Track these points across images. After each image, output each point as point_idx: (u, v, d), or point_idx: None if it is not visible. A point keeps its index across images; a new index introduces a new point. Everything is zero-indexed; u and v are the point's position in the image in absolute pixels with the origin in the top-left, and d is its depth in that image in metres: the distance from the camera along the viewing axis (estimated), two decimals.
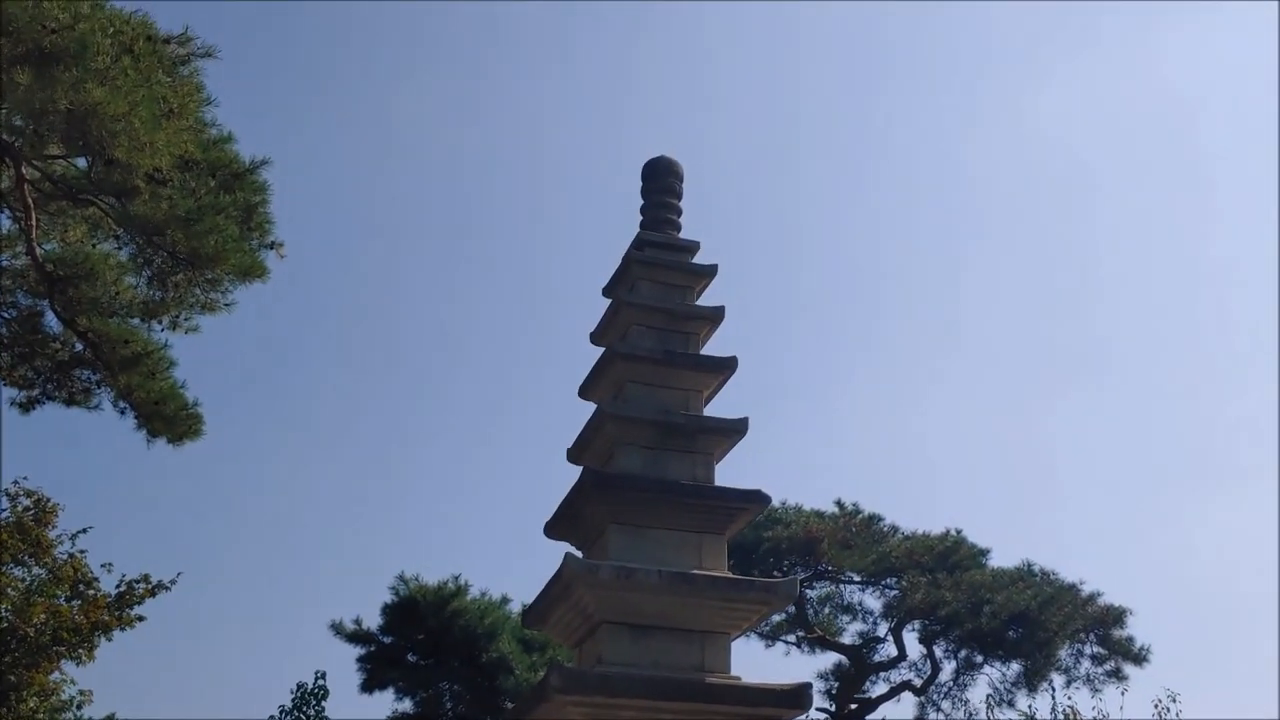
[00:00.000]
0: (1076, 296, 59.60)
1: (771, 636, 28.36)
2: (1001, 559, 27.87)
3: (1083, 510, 55.45)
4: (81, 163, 12.74)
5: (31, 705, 21.99)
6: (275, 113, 56.63)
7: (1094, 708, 30.56)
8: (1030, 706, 25.79)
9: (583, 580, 10.19)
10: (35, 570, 21.96)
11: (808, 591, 27.81)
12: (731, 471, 11.67)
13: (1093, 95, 58.29)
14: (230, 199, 12.27)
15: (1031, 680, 26.39)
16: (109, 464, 56.88)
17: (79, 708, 23.16)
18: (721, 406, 11.89)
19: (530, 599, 11.28)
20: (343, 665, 33.62)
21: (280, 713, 26.23)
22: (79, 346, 15.38)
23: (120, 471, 58.38)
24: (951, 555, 27.17)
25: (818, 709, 27.58)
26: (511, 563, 55.77)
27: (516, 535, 59.73)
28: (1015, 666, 26.70)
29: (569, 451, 11.87)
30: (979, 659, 27.04)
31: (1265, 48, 55.50)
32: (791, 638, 28.32)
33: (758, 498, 10.97)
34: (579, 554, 11.03)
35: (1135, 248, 59.12)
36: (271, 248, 13.23)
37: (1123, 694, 28.35)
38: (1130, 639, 27.17)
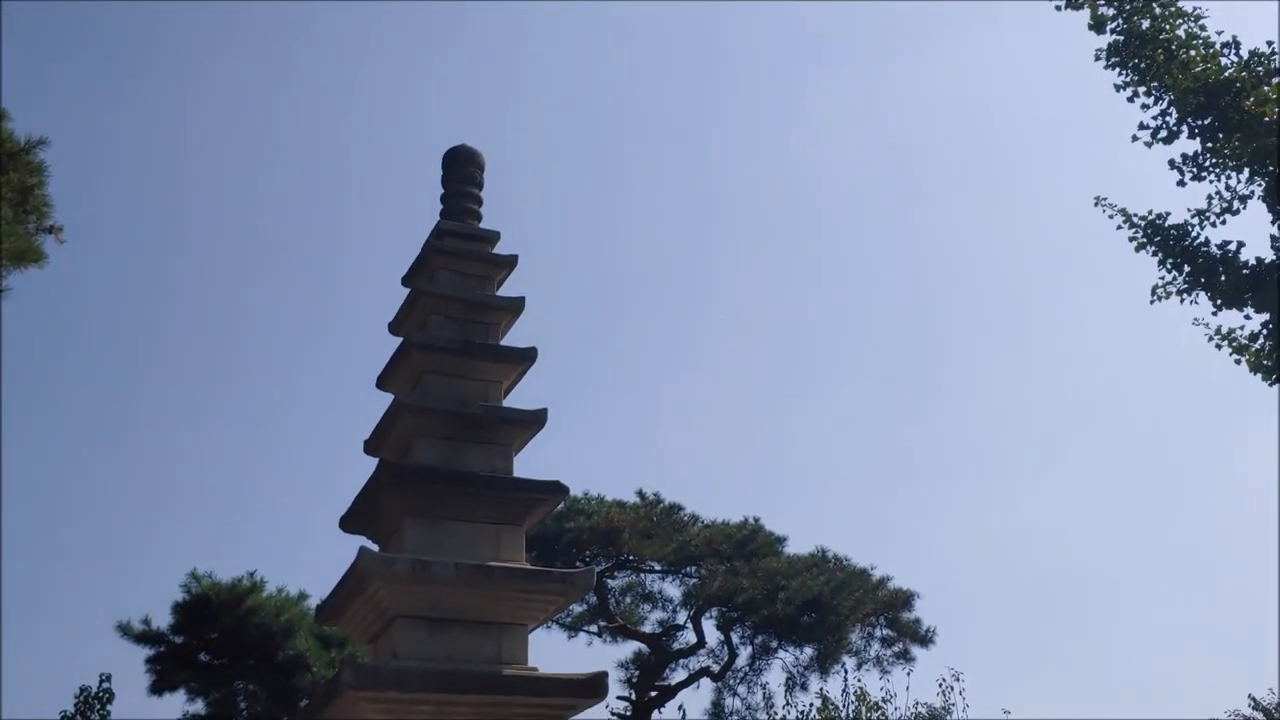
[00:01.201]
0: (885, 290, 61.58)
1: (574, 627, 28.50)
2: (798, 546, 28.59)
3: (876, 497, 57.33)
4: None
5: None
6: (61, 97, 54.18)
7: (882, 688, 31.68)
8: (822, 689, 26.57)
9: (378, 574, 10.06)
10: None
11: (609, 581, 28.02)
12: (532, 463, 11.69)
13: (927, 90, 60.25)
14: (4, 179, 11.66)
15: (824, 663, 27.16)
16: None
17: None
18: (522, 398, 11.89)
19: (328, 594, 11.08)
20: (130, 667, 32.37)
21: (62, 718, 25.15)
22: None
23: None
24: (750, 543, 27.75)
25: (618, 697, 27.85)
26: (309, 558, 54.61)
27: (314, 530, 58.52)
28: (809, 650, 27.43)
29: (366, 443, 11.69)
30: (774, 644, 27.69)
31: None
32: (593, 628, 28.50)
33: (556, 488, 11.00)
34: (375, 548, 10.88)
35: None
36: (50, 231, 12.62)
37: (909, 674, 29.46)
38: (917, 621, 28.22)
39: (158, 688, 25.22)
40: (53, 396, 56.89)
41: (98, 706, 25.25)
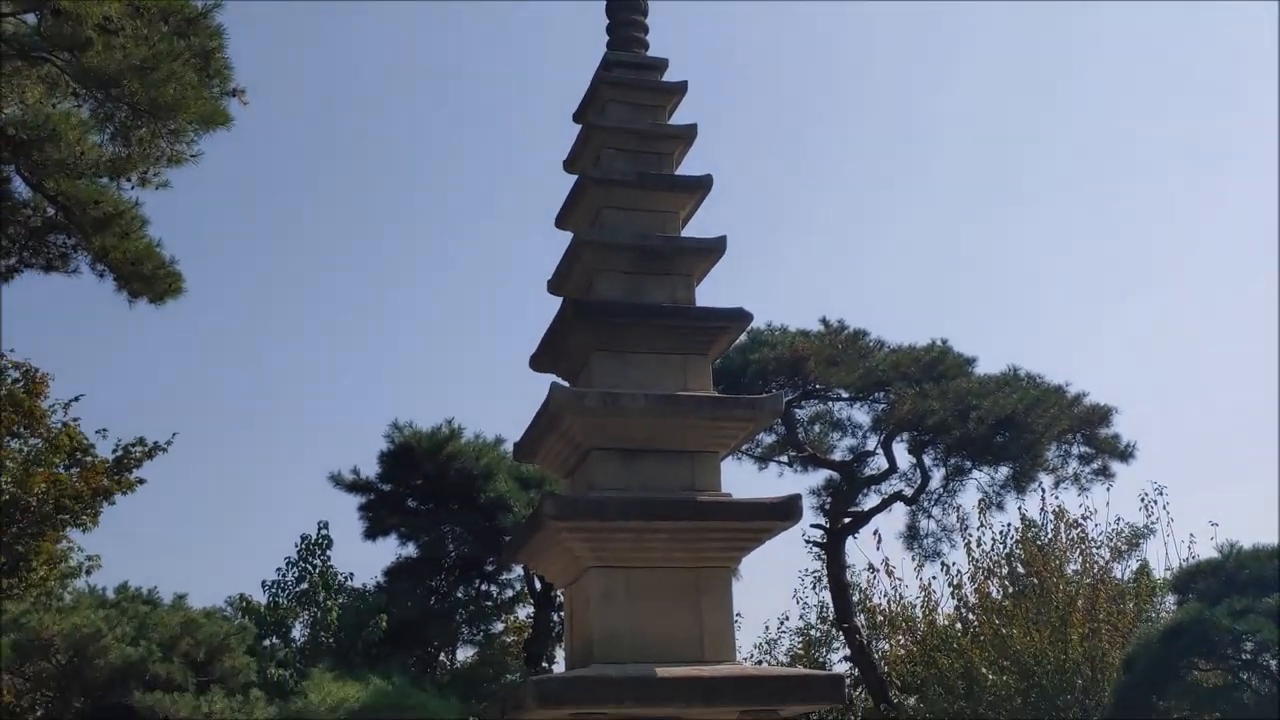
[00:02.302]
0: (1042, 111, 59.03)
1: (764, 459, 28.75)
2: (988, 366, 28.13)
3: (1068, 314, 55.86)
4: (31, 19, 12.39)
5: (41, 574, 22.37)
6: None
7: (1081, 505, 31.21)
8: (1020, 508, 26.31)
9: (570, 409, 10.25)
10: (31, 441, 22.11)
11: (797, 411, 28.09)
12: (714, 296, 11.67)
13: None
14: (185, 45, 11.93)
15: (1020, 482, 26.85)
16: (94, 331, 56.85)
17: (88, 573, 23.61)
18: (700, 228, 11.83)
19: (523, 432, 11.35)
20: (345, 515, 34.14)
21: (287, 564, 26.72)
22: (50, 211, 15.19)
23: (106, 337, 58.36)
24: (938, 365, 27.36)
25: (812, 525, 28.15)
26: (503, 403, 56.34)
27: (505, 375, 60.17)
28: (1004, 470, 27.12)
29: (549, 283, 11.83)
30: (968, 465, 27.44)
31: None
32: (784, 458, 28.70)
33: (739, 315, 10.97)
34: (565, 384, 11.07)
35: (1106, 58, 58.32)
36: (234, 95, 12.93)
37: (1108, 490, 28.90)
38: (1116, 437, 27.59)
39: (371, 533, 26.64)
40: (252, 259, 59.26)
41: (318, 552, 26.75)
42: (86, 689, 19.62)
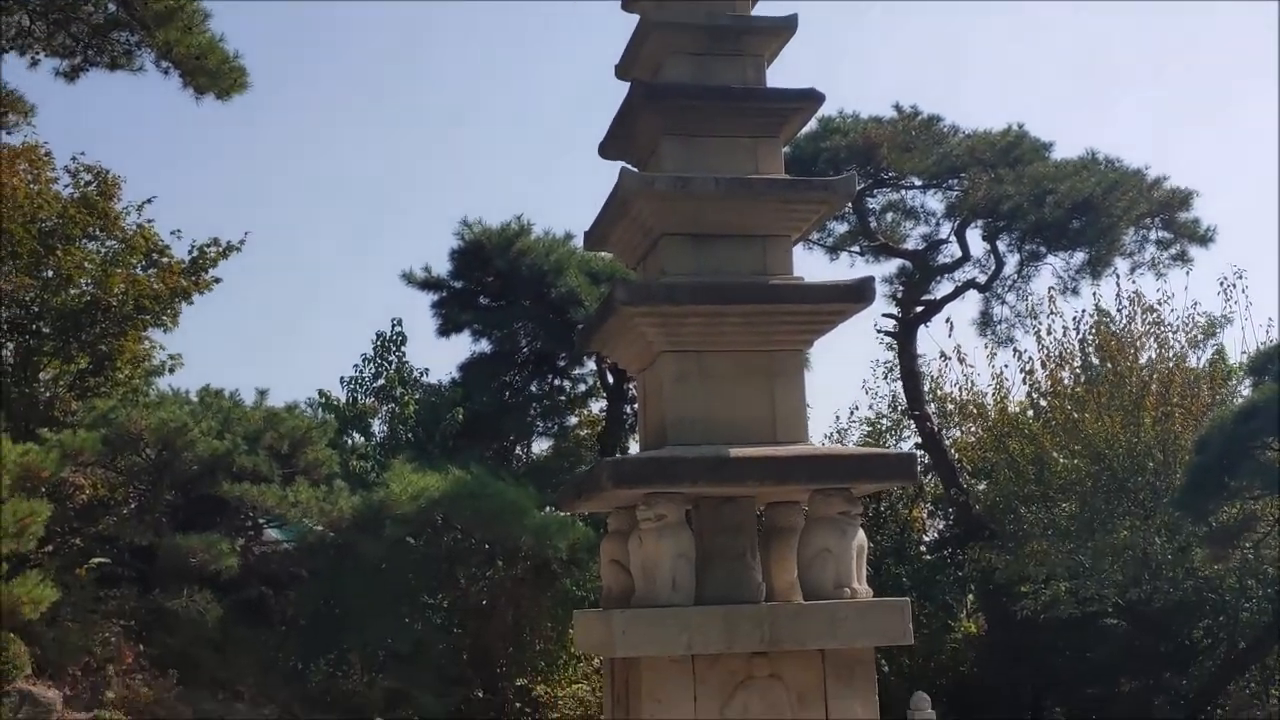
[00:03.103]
0: None
1: (836, 249, 28.58)
2: (1065, 151, 27.46)
3: (1146, 100, 54.09)
4: None
5: (126, 373, 23.02)
6: None
7: (1158, 290, 30.83)
8: (1095, 294, 26.04)
9: (640, 194, 10.13)
10: (108, 243, 22.49)
11: (869, 200, 27.74)
12: (784, 78, 11.37)
13: None
14: None
15: (1095, 268, 26.50)
16: (163, 131, 57.09)
17: (171, 372, 24.28)
18: (768, 7, 11.45)
19: (593, 221, 11.27)
20: (418, 313, 34.64)
21: (363, 361, 27.27)
22: (112, 7, 15.08)
23: (175, 137, 58.61)
24: (1014, 150, 26.76)
25: (884, 314, 28.09)
26: (572, 199, 56.22)
27: (573, 171, 59.79)
28: (1079, 255, 26.74)
29: (617, 68, 11.56)
30: (1043, 250, 27.08)
31: None
32: (855, 248, 28.52)
33: (810, 95, 10.67)
34: (635, 170, 10.93)
35: None
36: None
37: (1187, 274, 28.42)
38: (1196, 221, 27.04)
39: (444, 330, 26.96)
40: (317, 54, 58.74)
41: (394, 349, 27.24)
42: (176, 481, 20.40)
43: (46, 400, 21.67)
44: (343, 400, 26.76)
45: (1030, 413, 25.32)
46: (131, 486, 20.87)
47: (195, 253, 22.79)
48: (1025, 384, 25.21)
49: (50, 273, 21.62)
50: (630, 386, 26.85)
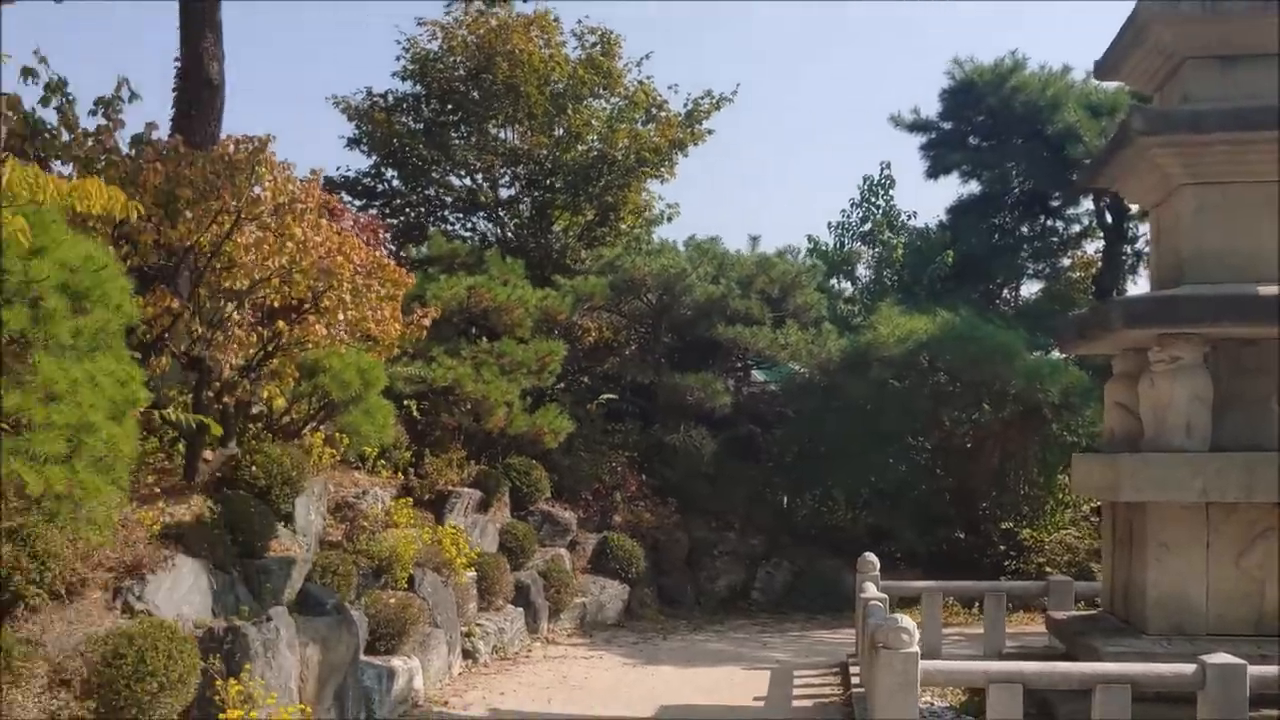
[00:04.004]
0: None
1: None
2: None
3: None
4: None
5: (628, 223, 24.42)
6: None
7: None
8: None
9: (1160, 19, 9.51)
10: (612, 100, 23.71)
11: None
12: None
13: None
14: None
15: None
16: None
17: (668, 220, 25.48)
18: None
19: (1091, 63, 10.72)
20: (905, 156, 34.23)
21: (851, 206, 27.43)
22: None
23: None
24: None
25: None
26: (1069, 31, 53.13)
27: (1069, 4, 56.39)
28: None
29: None
30: None
31: None
32: None
33: None
34: None
35: None
36: None
37: None
38: None
39: (932, 172, 26.55)
40: None
41: (881, 192, 27.19)
42: (673, 324, 21.58)
43: (559, 250, 23.41)
44: (830, 245, 27.14)
45: None
46: (633, 329, 22.30)
47: (690, 106, 23.61)
48: None
49: (561, 131, 23.13)
50: (1129, 226, 25.42)
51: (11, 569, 7.28)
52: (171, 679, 7.48)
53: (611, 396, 21.49)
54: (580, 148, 23.18)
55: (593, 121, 23.32)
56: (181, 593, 8.71)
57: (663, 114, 23.55)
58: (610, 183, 23.25)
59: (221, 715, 7.97)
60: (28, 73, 10.80)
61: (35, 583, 7.40)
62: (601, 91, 23.56)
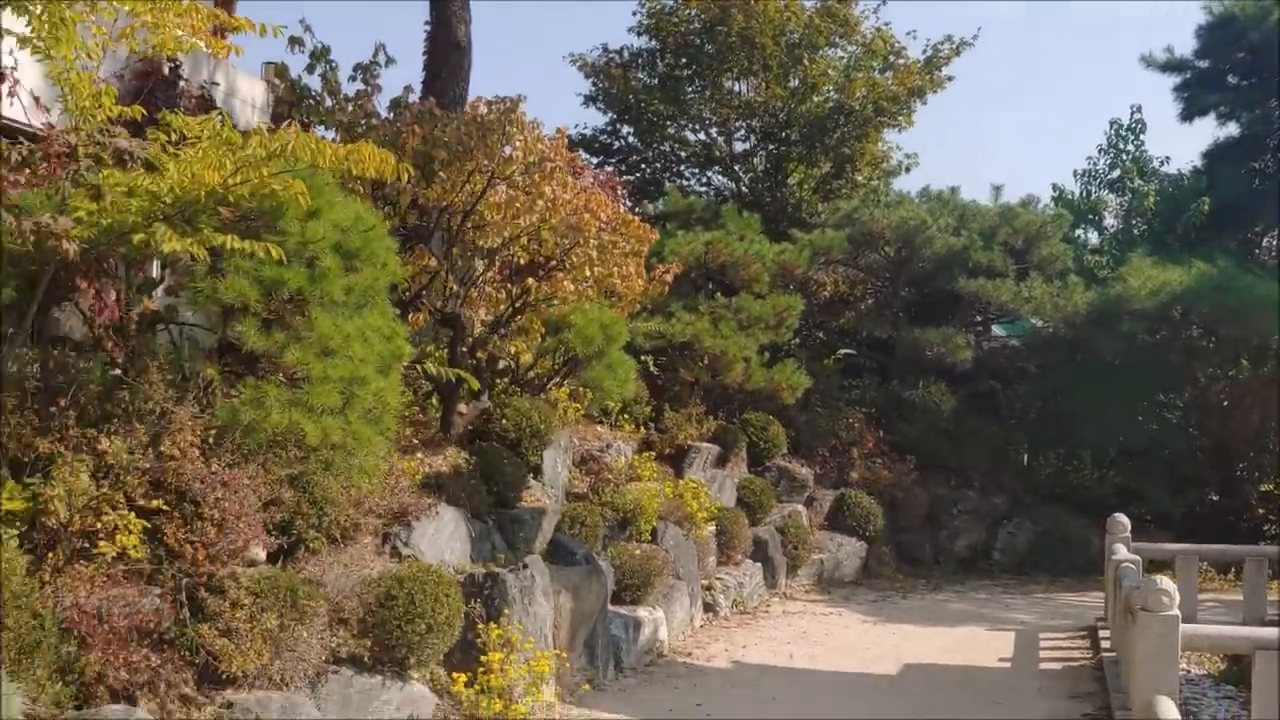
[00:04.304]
0: None
1: None
2: None
3: None
4: None
5: (865, 174, 24.07)
6: None
7: None
8: None
9: None
10: (848, 49, 23.35)
11: None
12: None
13: None
14: None
15: None
16: None
17: (907, 171, 25.02)
18: None
19: None
20: (1158, 99, 32.74)
21: (1098, 152, 26.37)
22: None
23: None
24: None
25: None
26: None
27: None
28: None
29: None
30: None
31: None
32: None
33: None
34: None
35: None
36: None
37: None
38: None
39: (1186, 114, 25.22)
40: None
41: (1130, 138, 26.04)
42: (912, 277, 21.21)
43: (794, 203, 23.24)
44: (1075, 194, 26.13)
45: None
46: (869, 283, 21.99)
47: (929, 52, 23.02)
48: None
49: (796, 82, 22.89)
50: None
51: (293, 514, 7.73)
52: (439, 621, 7.84)
53: (849, 351, 21.30)
54: (816, 99, 22.92)
55: (829, 71, 23.01)
56: (443, 539, 9.11)
57: (901, 61, 23.07)
58: (846, 134, 22.95)
59: (482, 657, 8.31)
60: (295, 42, 11.36)
61: (315, 527, 7.84)
62: (838, 40, 23.21)
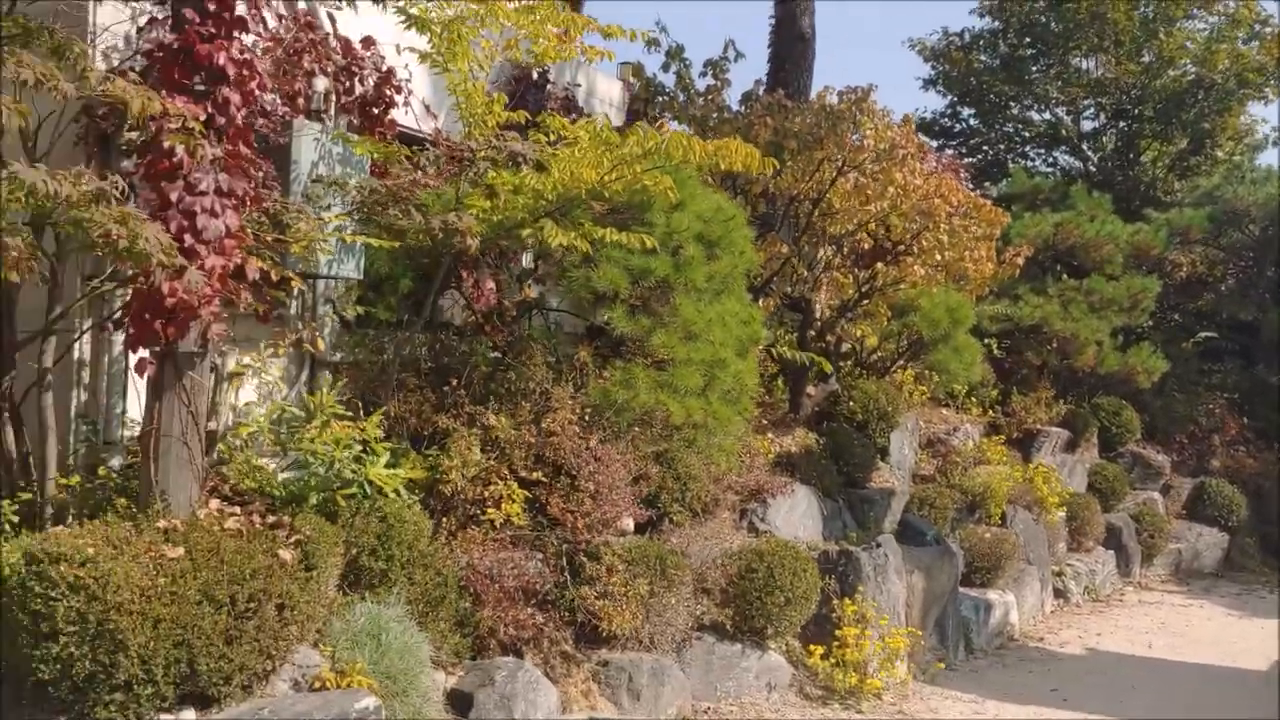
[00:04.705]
0: None
1: None
2: None
3: None
4: None
5: (1226, 150, 22.78)
6: None
7: None
8: None
9: None
10: (1209, 19, 22.18)
11: None
12: None
13: None
14: None
15: None
16: None
17: (1274, 145, 23.49)
18: None
19: None
20: None
21: None
22: None
23: None
24: None
25: None
26: None
27: None
28: None
29: None
30: None
31: None
32: None
33: None
34: None
35: None
36: None
37: None
38: None
39: None
40: None
41: None
42: (1277, 259, 19.88)
43: (1148, 182, 22.24)
44: None
45: None
46: (1231, 263, 20.79)
47: None
48: None
49: (1150, 57, 21.89)
50: None
51: (659, 488, 8.24)
52: (796, 594, 8.17)
53: (1210, 334, 20.27)
54: (1172, 73, 21.86)
55: (1187, 44, 21.90)
56: (797, 516, 9.44)
57: (1268, 29, 21.68)
58: (1206, 108, 21.78)
59: (837, 631, 8.58)
60: (651, 42, 11.92)
61: (678, 501, 8.33)
62: (1197, 11, 22.05)
